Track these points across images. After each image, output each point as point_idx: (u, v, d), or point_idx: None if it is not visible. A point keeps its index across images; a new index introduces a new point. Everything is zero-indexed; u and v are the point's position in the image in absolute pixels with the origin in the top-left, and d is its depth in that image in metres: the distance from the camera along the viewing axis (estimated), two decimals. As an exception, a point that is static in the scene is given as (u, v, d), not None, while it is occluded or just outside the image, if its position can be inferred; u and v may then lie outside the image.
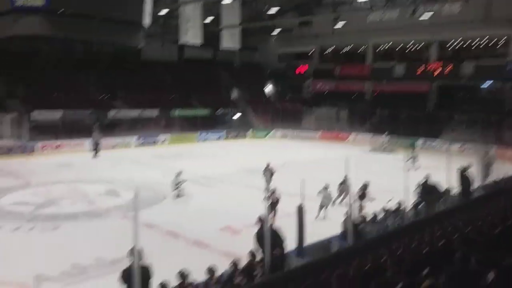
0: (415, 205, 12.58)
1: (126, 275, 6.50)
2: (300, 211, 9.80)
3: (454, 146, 25.06)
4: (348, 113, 35.49)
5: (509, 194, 11.18)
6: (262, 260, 7.70)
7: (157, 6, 25.65)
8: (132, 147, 29.44)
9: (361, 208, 12.72)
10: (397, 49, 36.93)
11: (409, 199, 12.41)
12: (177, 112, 33.80)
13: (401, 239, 8.21)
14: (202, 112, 35.78)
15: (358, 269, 6.14)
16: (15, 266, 9.76)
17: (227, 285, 7.22)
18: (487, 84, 32.33)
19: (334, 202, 14.29)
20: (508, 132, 23.93)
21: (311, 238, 10.03)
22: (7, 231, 12.30)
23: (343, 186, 13.82)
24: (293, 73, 41.00)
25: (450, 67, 32.01)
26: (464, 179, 13.30)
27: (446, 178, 12.85)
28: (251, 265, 7.73)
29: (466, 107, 32.16)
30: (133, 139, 29.94)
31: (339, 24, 33.02)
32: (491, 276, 2.99)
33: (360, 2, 21.16)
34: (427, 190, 12.94)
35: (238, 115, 37.05)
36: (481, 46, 32.44)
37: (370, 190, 13.73)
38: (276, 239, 8.13)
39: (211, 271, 7.27)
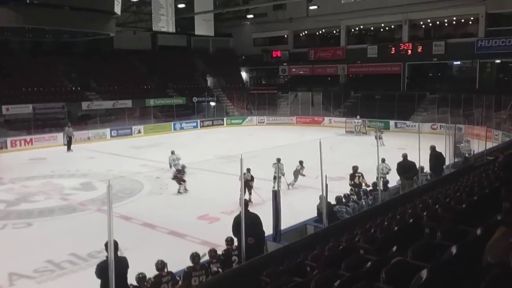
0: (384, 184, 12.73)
1: (102, 269, 6.45)
2: (276, 195, 9.85)
3: (426, 125, 25.55)
4: (323, 96, 35.70)
5: (478, 170, 11.47)
6: (238, 246, 7.74)
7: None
8: (107, 139, 29.04)
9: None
10: (369, 31, 37.32)
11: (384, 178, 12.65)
12: (152, 102, 33.41)
13: (374, 219, 8.37)
14: (178, 100, 35.47)
15: (333, 249, 6.24)
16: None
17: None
18: (457, 63, 33.01)
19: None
20: (477, 110, 24.49)
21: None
22: (-21, 231, 12.06)
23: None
24: (268, 58, 40.91)
25: (421, 47, 32.46)
26: (436, 157, 13.58)
27: (419, 157, 13.10)
28: (228, 252, 7.78)
29: (437, 86, 32.85)
30: (107, 130, 29.52)
31: (313, 7, 33.04)
32: (454, 249, 3.08)
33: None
34: (405, 168, 13.19)
35: (213, 102, 36.84)
36: (451, 25, 33.06)
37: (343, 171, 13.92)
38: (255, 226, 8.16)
39: (195, 257, 7.27)
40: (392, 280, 3.06)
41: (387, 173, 14.98)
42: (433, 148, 13.76)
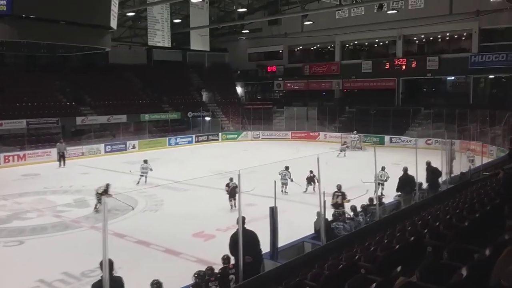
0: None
1: (97, 289, 6.26)
2: (273, 212, 9.70)
3: (421, 141, 25.59)
4: (318, 111, 35.77)
5: (476, 186, 11.42)
6: (235, 265, 7.57)
7: (124, 8, 25.18)
8: (101, 154, 28.81)
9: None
10: (364, 46, 37.64)
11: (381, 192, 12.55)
12: (147, 117, 33.30)
13: (373, 236, 8.25)
14: (173, 115, 35.39)
15: (333, 268, 6.11)
16: (-22, 285, 9.35)
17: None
18: (451, 78, 33.27)
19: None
20: (472, 125, 24.61)
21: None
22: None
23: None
24: (263, 73, 41.07)
25: (415, 62, 32.71)
26: (432, 172, 13.54)
27: (416, 172, 13.04)
28: (225, 271, 7.61)
29: (432, 101, 33.04)
30: (101, 145, 29.31)
31: (308, 22, 33.34)
32: (464, 271, 2.97)
33: (330, -2, 21.38)
34: (406, 182, 13.12)
35: (209, 117, 36.80)
36: (445, 41, 33.40)
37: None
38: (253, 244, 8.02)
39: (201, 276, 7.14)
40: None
41: (386, 180, 15.11)
42: (429, 163, 13.73)
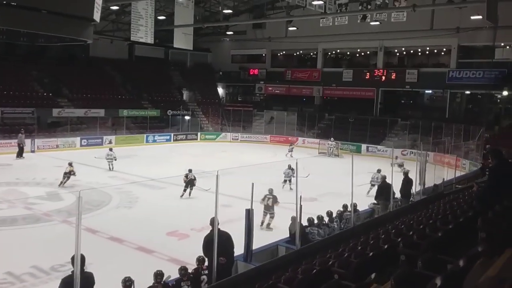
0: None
1: (67, 284, 6.14)
2: (249, 214, 9.70)
3: (396, 151, 25.98)
4: (298, 116, 35.99)
5: (448, 198, 11.67)
6: (209, 266, 7.54)
7: (108, 1, 24.88)
8: (76, 148, 28.30)
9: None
10: (346, 55, 38.09)
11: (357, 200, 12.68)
12: (125, 112, 32.88)
13: (347, 242, 8.35)
14: (152, 112, 35.06)
15: (306, 273, 6.15)
16: None
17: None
18: (429, 91, 33.98)
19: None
20: (447, 138, 25.15)
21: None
22: None
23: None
24: (245, 75, 41.09)
25: (394, 74, 33.28)
26: (408, 182, 13.77)
27: (391, 181, 13.24)
28: (197, 271, 7.58)
29: (409, 113, 33.65)
30: (77, 139, 28.81)
31: (292, 28, 33.54)
32: (438, 281, 3.03)
33: (315, 5, 21.46)
34: (383, 190, 13.31)
35: (188, 116, 36.58)
36: (424, 55, 34.10)
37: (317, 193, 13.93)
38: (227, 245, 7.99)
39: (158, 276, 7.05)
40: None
41: (379, 181, 15.65)
42: (406, 174, 13.95)
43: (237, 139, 35.93)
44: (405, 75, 32.67)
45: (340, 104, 36.66)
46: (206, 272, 7.55)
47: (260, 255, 9.41)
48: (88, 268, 6.40)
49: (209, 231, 7.94)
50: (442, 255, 4.20)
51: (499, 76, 28.56)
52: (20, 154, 23.88)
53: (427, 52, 33.86)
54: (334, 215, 11.54)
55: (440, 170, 18.15)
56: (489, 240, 4.05)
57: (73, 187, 17.13)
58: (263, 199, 13.03)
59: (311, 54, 38.95)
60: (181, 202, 15.80)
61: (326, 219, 11.51)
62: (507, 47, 29.85)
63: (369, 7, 22.91)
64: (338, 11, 22.67)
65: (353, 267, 5.42)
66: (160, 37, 32.35)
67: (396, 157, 22.02)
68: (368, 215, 12.92)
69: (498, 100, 31.18)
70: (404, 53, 35.05)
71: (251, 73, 40.81)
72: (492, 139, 25.33)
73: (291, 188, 17.26)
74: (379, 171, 16.67)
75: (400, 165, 19.62)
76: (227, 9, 31.03)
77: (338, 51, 38.11)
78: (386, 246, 6.05)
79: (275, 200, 13.17)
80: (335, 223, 11.31)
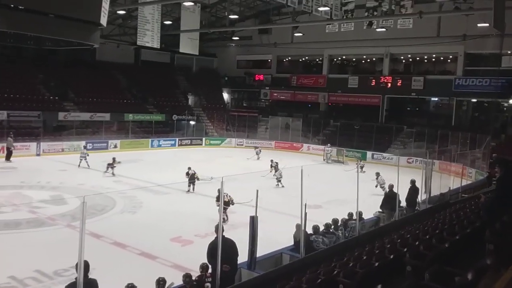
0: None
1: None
2: (254, 221, 9.64)
3: (402, 159, 25.83)
4: (303, 123, 35.93)
5: (454, 207, 11.56)
6: (213, 273, 7.49)
7: (114, 6, 25.03)
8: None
9: None
10: (351, 62, 38.06)
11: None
12: (130, 116, 32.96)
13: (352, 252, 8.27)
14: (157, 117, 35.14)
15: (311, 282, 6.09)
16: None
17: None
18: (435, 99, 33.83)
19: None
20: (453, 147, 24.99)
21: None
22: None
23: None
24: (250, 81, 41.13)
25: (400, 81, 33.16)
26: (414, 191, 13.67)
27: (397, 190, 13.14)
28: (201, 279, 7.52)
29: (415, 120, 33.51)
30: (82, 143, 28.88)
31: (298, 34, 33.55)
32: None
33: (321, 11, 21.46)
34: (389, 199, 13.20)
35: (193, 121, 36.62)
36: (431, 62, 33.99)
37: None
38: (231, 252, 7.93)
39: (160, 282, 7.02)
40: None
41: (384, 183, 15.59)
42: (413, 182, 13.84)
43: (242, 144, 35.87)
44: (411, 82, 32.54)
45: (346, 111, 36.56)
46: (210, 279, 7.50)
47: (264, 263, 9.34)
48: (91, 274, 6.36)
49: (213, 238, 7.90)
50: (449, 266, 4.13)
51: (506, 84, 28.38)
52: (8, 157, 23.90)
53: (434, 59, 33.76)
54: (339, 223, 11.44)
55: (446, 179, 18.00)
56: (497, 252, 3.98)
57: (77, 191, 17.13)
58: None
59: (317, 60, 38.93)
60: (186, 208, 15.74)
61: (331, 227, 11.44)
62: (514, 55, 29.71)
63: (375, 13, 22.87)
64: (344, 17, 22.62)
65: (358, 278, 5.36)
66: (166, 42, 32.49)
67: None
68: (373, 224, 12.82)
69: (505, 108, 31.01)
70: (410, 60, 34.98)
71: (256, 79, 40.84)
72: (499, 147, 25.13)
73: (282, 186, 19.06)
74: (377, 174, 16.86)
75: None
76: (233, 14, 31.09)
77: (344, 57, 38.09)
78: (391, 256, 5.98)
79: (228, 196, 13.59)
80: (339, 231, 11.22)
